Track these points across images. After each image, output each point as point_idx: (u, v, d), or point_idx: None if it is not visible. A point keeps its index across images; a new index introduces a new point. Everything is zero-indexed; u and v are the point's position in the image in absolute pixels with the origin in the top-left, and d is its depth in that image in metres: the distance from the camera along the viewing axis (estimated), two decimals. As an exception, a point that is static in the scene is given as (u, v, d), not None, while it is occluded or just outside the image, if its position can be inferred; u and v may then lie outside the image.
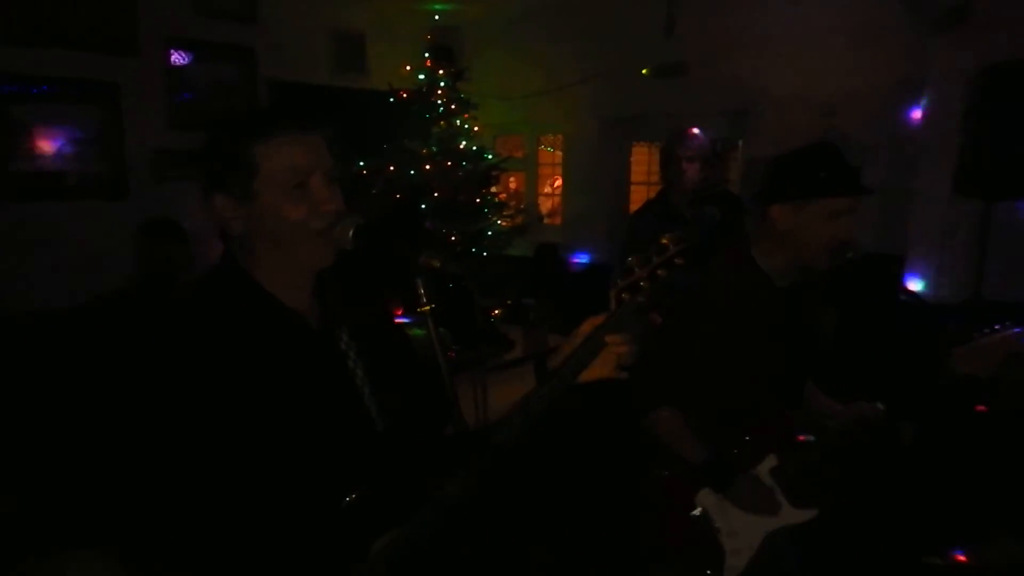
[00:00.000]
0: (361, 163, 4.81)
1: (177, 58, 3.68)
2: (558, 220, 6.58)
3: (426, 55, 4.98)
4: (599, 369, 1.20)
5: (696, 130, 3.24)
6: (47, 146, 3.30)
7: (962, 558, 2.58)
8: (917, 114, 4.15)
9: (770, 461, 1.78)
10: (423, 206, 4.70)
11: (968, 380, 1.62)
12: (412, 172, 4.77)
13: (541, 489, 3.13)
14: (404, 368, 1.31)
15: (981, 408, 3.10)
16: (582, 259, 6.10)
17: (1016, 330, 1.60)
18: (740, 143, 5.34)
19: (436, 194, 4.74)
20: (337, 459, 1.14)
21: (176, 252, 2.68)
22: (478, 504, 1.12)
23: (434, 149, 4.83)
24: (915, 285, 4.02)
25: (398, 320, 1.35)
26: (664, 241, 1.17)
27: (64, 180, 3.38)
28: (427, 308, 0.97)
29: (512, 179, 6.82)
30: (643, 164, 6.11)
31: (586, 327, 1.21)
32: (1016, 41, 3.48)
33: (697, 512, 1.75)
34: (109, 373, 1.08)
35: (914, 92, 4.16)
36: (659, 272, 1.16)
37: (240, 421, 1.06)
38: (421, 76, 4.90)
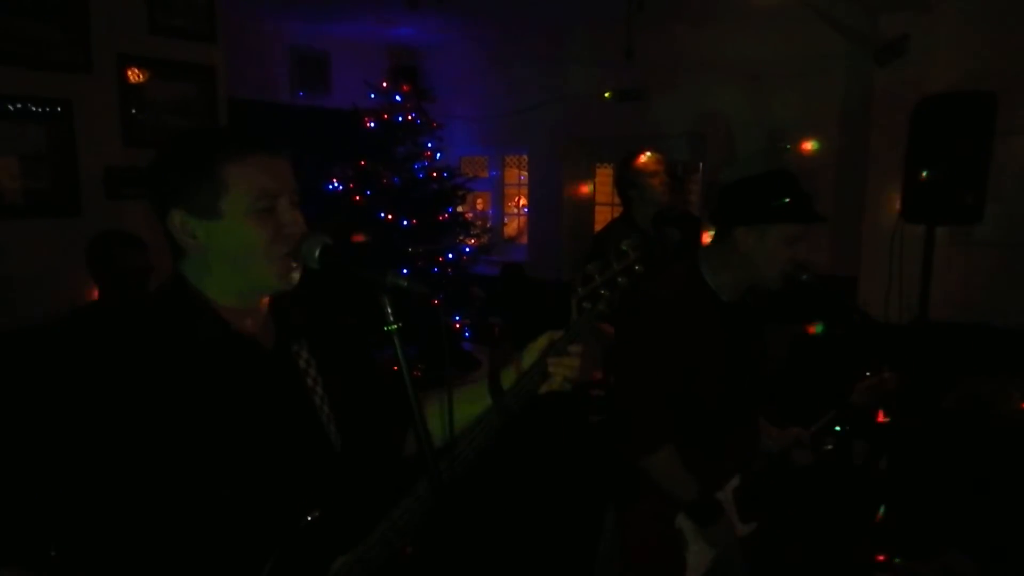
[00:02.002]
0: (325, 182, 4.78)
1: (132, 75, 3.62)
2: (524, 239, 6.62)
3: (390, 75, 5.00)
4: (551, 384, 1.25)
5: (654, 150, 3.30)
6: (-5, 163, 3.22)
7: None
8: (865, 140, 4.33)
9: (734, 481, 1.83)
10: (389, 226, 4.69)
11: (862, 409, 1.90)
12: (377, 192, 4.75)
13: (505, 505, 3.12)
14: (365, 385, 1.31)
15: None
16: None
17: (886, 373, 1.93)
18: (700, 166, 5.48)
19: (402, 214, 4.73)
20: (294, 479, 1.13)
21: (140, 260, 2.59)
22: (436, 523, 1.12)
23: (399, 168, 4.83)
24: (867, 306, 4.16)
25: (363, 337, 1.35)
26: (624, 247, 1.18)
27: (14, 197, 3.29)
28: (393, 327, 0.97)
29: (478, 199, 6.85)
30: (606, 185, 6.21)
31: (541, 341, 1.24)
32: (953, 73, 3.67)
33: (677, 527, 1.79)
34: (53, 397, 1.05)
35: (861, 120, 4.35)
36: (619, 279, 1.17)
37: (192, 444, 1.04)
38: (386, 96, 4.91)
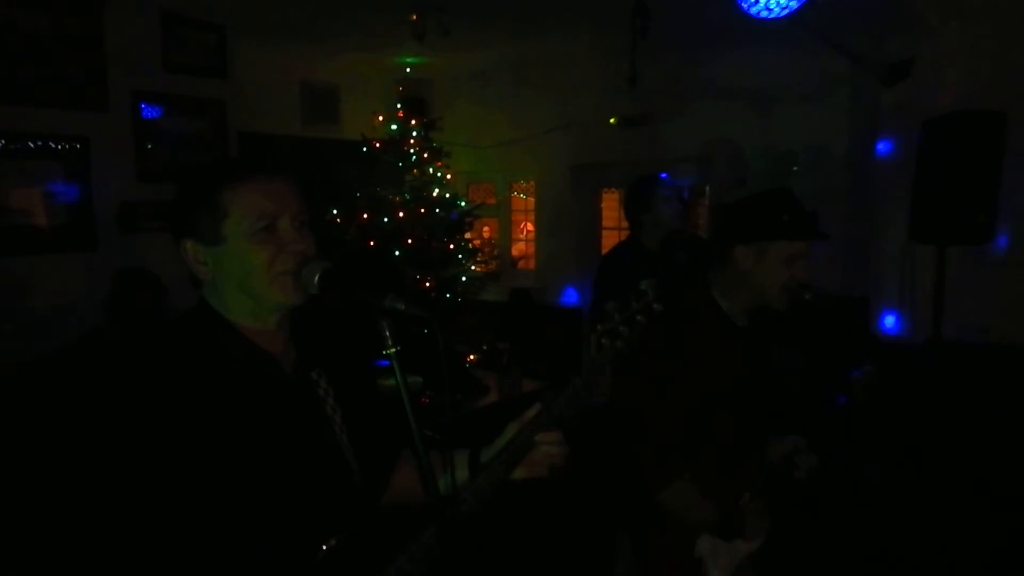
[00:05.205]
0: (334, 211, 4.84)
1: (147, 112, 3.71)
2: (531, 265, 6.64)
3: (398, 106, 5.07)
4: (529, 468, 1.22)
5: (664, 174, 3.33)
6: (15, 201, 3.29)
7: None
8: (873, 161, 4.33)
9: (744, 500, 1.82)
10: (396, 253, 4.72)
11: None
12: (385, 220, 4.80)
13: (519, 539, 3.09)
14: (376, 415, 1.31)
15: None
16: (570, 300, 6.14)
17: (868, 368, 1.94)
18: (707, 190, 5.50)
19: (410, 241, 4.76)
20: (315, 507, 1.13)
21: (150, 303, 2.67)
22: (453, 554, 1.10)
23: (407, 197, 4.88)
24: (879, 327, 4.12)
25: (372, 367, 1.35)
26: (643, 287, 1.19)
27: (32, 233, 3.36)
28: (393, 350, 0.97)
29: (485, 226, 6.90)
30: (613, 210, 6.24)
31: (521, 419, 1.22)
32: (957, 93, 3.68)
33: (697, 555, 1.77)
34: (77, 424, 1.06)
35: (868, 141, 4.35)
36: (638, 317, 1.18)
37: (213, 467, 1.05)
38: (393, 126, 4.98)
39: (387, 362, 0.98)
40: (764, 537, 1.83)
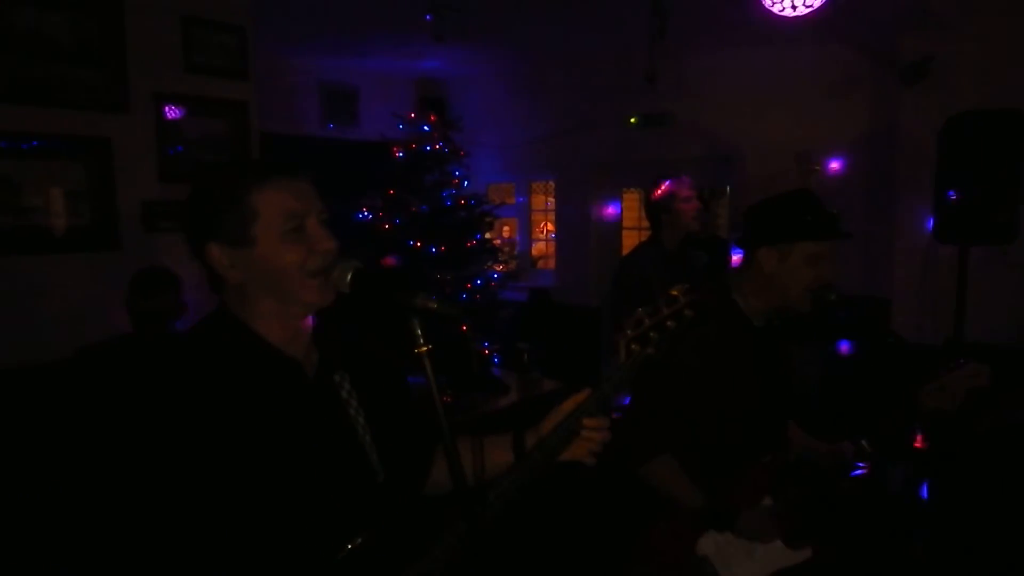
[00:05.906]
0: (354, 211, 4.87)
1: (169, 113, 3.75)
2: (551, 265, 6.64)
3: (418, 106, 5.09)
4: (574, 452, 1.22)
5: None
6: (37, 200, 3.35)
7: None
8: (894, 160, 4.29)
9: (765, 503, 1.78)
10: (417, 253, 4.74)
11: (936, 415, 1.69)
12: (406, 220, 4.82)
13: (537, 540, 3.09)
14: (402, 415, 1.32)
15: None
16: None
17: (973, 365, 1.69)
18: (727, 189, 5.47)
19: (430, 241, 4.78)
20: (337, 509, 1.13)
21: (168, 302, 2.69)
22: (476, 555, 1.11)
23: (427, 197, 4.90)
24: (900, 327, 4.07)
25: (400, 367, 1.36)
26: (674, 292, 1.18)
27: (54, 233, 3.41)
28: (424, 349, 0.98)
29: (505, 226, 6.91)
30: (634, 210, 6.22)
31: (568, 404, 1.22)
32: (977, 92, 3.64)
33: (699, 556, 1.74)
34: (100, 428, 1.08)
35: (888, 141, 4.31)
36: (668, 323, 1.18)
37: (238, 471, 1.05)
38: (413, 127, 5.00)
39: (416, 367, 0.99)
40: (809, 552, 1.76)
